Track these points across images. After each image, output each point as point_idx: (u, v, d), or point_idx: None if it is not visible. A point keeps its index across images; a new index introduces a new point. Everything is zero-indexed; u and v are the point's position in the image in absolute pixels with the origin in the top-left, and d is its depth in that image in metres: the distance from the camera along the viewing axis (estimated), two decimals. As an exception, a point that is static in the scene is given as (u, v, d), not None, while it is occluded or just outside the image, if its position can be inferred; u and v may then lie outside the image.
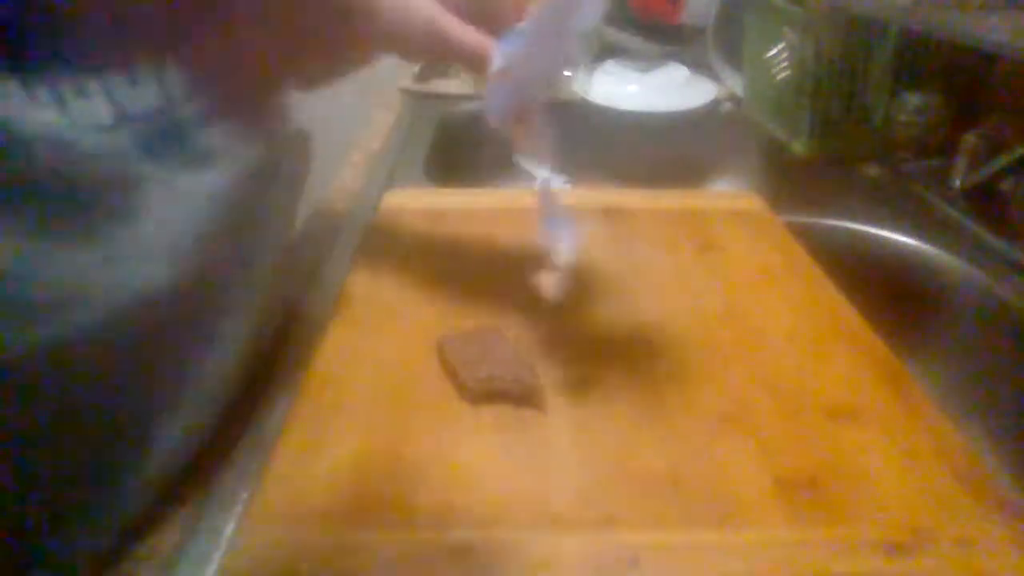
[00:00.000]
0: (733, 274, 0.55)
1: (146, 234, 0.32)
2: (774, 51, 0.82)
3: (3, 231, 0.27)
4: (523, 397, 0.41)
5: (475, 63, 0.39)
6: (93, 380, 0.31)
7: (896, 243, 0.65)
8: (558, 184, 0.40)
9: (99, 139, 0.30)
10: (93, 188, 0.30)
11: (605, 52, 1.04)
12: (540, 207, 0.42)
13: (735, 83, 0.99)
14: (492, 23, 0.39)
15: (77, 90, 0.29)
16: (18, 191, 0.28)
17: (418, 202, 0.65)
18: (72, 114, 0.29)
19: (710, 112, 0.96)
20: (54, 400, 0.30)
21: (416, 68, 1.04)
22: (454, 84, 1.02)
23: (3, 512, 0.29)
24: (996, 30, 0.55)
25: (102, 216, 0.30)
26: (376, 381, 0.43)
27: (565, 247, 0.41)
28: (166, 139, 0.32)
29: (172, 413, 0.36)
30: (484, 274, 0.54)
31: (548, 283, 0.42)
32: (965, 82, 0.76)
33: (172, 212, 0.33)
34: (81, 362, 0.30)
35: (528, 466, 0.37)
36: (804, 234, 0.61)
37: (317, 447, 0.38)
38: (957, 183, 0.72)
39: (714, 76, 1.01)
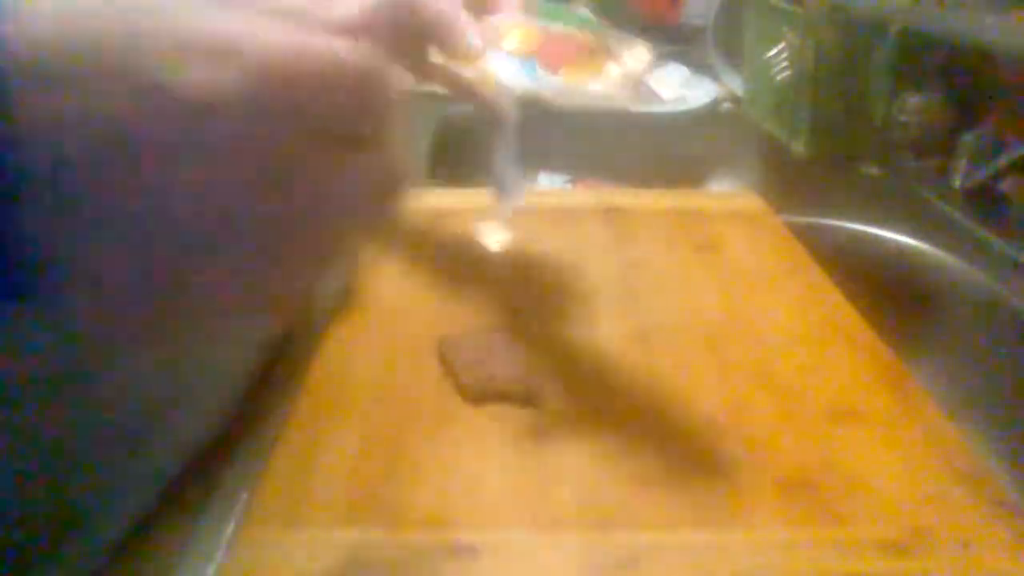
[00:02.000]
0: (733, 274, 0.55)
1: None
2: (774, 51, 0.82)
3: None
4: (522, 398, 0.41)
5: (449, 38, 0.34)
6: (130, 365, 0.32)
7: (896, 243, 0.65)
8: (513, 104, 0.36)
9: None
10: None
11: (605, 52, 1.04)
12: (499, 140, 0.37)
13: (735, 83, 0.99)
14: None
15: None
16: None
17: (418, 202, 0.65)
18: None
19: (710, 112, 0.96)
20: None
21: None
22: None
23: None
24: (996, 30, 0.55)
25: None
26: (376, 381, 0.43)
27: (511, 191, 0.38)
28: None
29: (192, 409, 0.36)
30: (484, 274, 0.54)
31: (491, 232, 0.40)
32: (965, 82, 0.76)
33: None
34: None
35: (527, 466, 0.37)
36: (804, 234, 0.61)
37: (317, 447, 0.38)
38: (957, 183, 0.71)
39: (714, 76, 1.01)
